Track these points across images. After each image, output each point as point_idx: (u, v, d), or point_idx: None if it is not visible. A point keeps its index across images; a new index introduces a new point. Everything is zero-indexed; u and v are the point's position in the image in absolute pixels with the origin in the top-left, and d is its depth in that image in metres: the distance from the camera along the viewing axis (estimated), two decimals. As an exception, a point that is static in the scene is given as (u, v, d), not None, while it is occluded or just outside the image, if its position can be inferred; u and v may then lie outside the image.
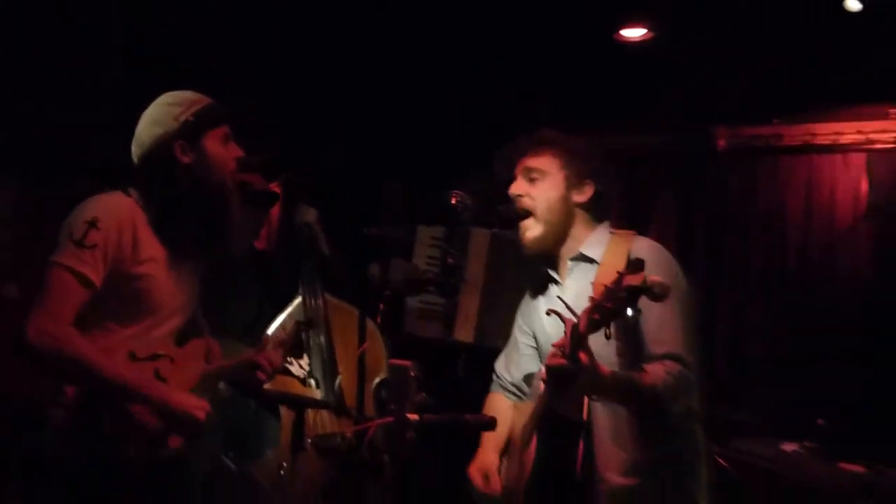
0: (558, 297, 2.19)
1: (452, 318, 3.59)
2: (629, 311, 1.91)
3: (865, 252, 4.46)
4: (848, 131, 4.51)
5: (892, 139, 4.28)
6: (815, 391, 4.35)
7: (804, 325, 4.54)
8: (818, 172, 4.61)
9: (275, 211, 4.50)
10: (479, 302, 3.55)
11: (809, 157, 4.63)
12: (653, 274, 1.90)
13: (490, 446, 2.59)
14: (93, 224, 2.24)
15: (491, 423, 2.55)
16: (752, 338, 4.64)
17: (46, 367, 2.23)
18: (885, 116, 4.43)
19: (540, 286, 2.60)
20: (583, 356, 2.04)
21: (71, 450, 2.24)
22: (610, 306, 1.92)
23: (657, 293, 1.89)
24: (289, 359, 3.41)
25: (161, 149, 2.36)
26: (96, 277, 2.23)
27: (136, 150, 2.40)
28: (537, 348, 2.61)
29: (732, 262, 4.78)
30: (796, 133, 4.63)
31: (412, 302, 3.78)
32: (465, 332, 3.57)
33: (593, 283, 2.21)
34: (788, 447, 3.59)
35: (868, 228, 4.46)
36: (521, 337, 2.68)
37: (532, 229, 2.47)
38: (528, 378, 2.64)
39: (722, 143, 4.76)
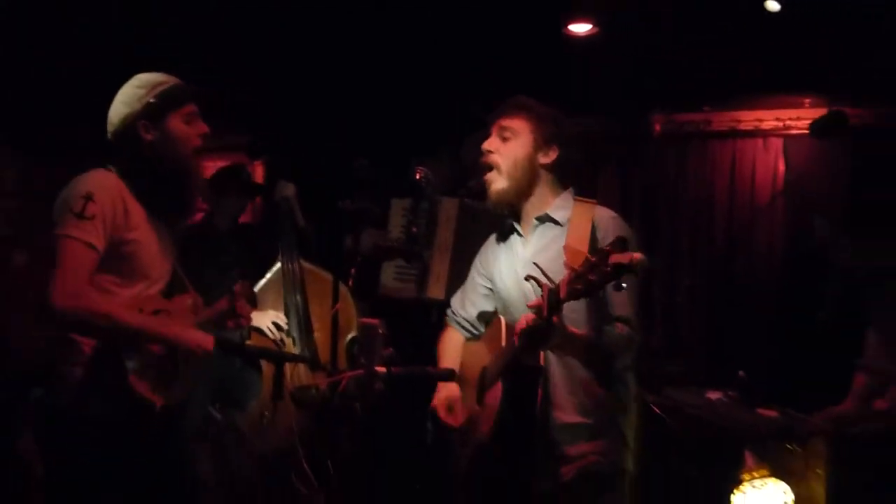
0: (534, 263, 2.14)
1: (425, 280, 3.62)
2: (612, 286, 1.91)
3: (781, 223, 4.55)
4: (768, 118, 4.59)
5: (805, 126, 4.31)
6: (737, 347, 4.45)
7: (728, 289, 4.62)
8: (741, 154, 4.68)
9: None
10: (449, 263, 3.58)
11: (734, 141, 4.69)
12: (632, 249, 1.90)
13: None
14: (89, 198, 2.26)
15: (450, 375, 2.57)
16: (682, 300, 4.68)
17: (76, 325, 2.25)
18: (801, 106, 4.50)
19: (502, 236, 2.59)
20: (556, 319, 2.08)
21: (87, 402, 2.26)
22: (594, 279, 1.91)
23: (639, 270, 1.89)
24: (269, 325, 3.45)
25: (127, 128, 2.37)
26: (99, 243, 2.26)
27: (108, 129, 2.42)
28: (492, 290, 2.62)
29: (666, 232, 4.82)
30: (723, 120, 4.69)
31: (388, 267, 3.81)
32: (437, 290, 3.59)
33: (565, 247, 2.19)
34: (713, 396, 3.64)
35: (784, 203, 4.55)
36: (478, 278, 2.66)
37: (497, 182, 2.46)
38: (481, 315, 2.65)
39: (658, 127, 4.80)
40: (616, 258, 1.86)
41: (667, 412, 3.65)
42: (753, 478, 3.37)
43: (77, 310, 2.19)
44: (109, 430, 2.27)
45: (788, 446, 3.33)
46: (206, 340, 2.41)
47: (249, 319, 2.65)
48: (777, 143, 4.60)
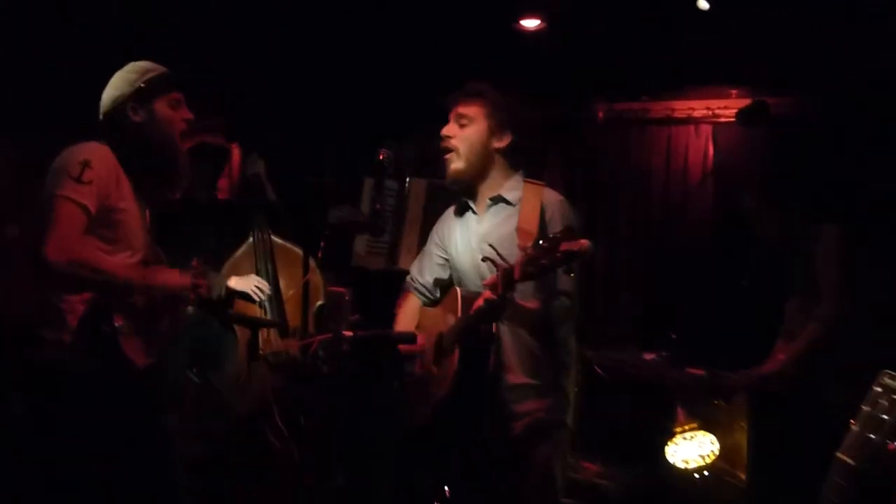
0: (489, 244, 2.20)
1: (396, 252, 3.62)
2: (562, 269, 1.96)
3: (710, 201, 4.59)
4: (699, 107, 4.60)
5: (732, 114, 4.34)
6: (670, 312, 4.49)
7: (662, 260, 4.65)
8: (676, 139, 4.69)
9: (236, 167, 4.43)
10: (419, 237, 3.58)
11: (669, 127, 4.70)
12: (581, 237, 1.95)
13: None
14: (87, 164, 2.23)
15: (411, 338, 2.59)
16: (621, 270, 4.72)
17: (68, 278, 2.20)
18: (728, 96, 4.52)
19: (458, 212, 2.59)
20: (509, 295, 2.13)
21: (76, 361, 2.23)
22: (545, 263, 1.96)
23: (585, 256, 1.95)
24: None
25: (117, 109, 2.36)
26: (92, 206, 2.23)
27: (101, 111, 2.40)
28: (447, 261, 2.62)
29: (607, 209, 4.84)
30: (659, 108, 4.69)
31: (360, 241, 3.80)
32: (408, 261, 3.58)
33: (518, 228, 2.27)
34: (648, 356, 3.68)
35: (713, 183, 4.59)
36: (435, 249, 2.66)
37: (455, 163, 2.45)
38: (437, 282, 2.65)
39: (601, 114, 4.79)
40: (566, 246, 1.91)
41: (607, 371, 3.69)
42: (684, 430, 3.44)
43: (69, 263, 2.15)
44: (95, 388, 2.24)
45: (715, 402, 3.39)
46: (185, 281, 2.42)
47: (205, 291, 2.63)
48: (707, 130, 4.62)
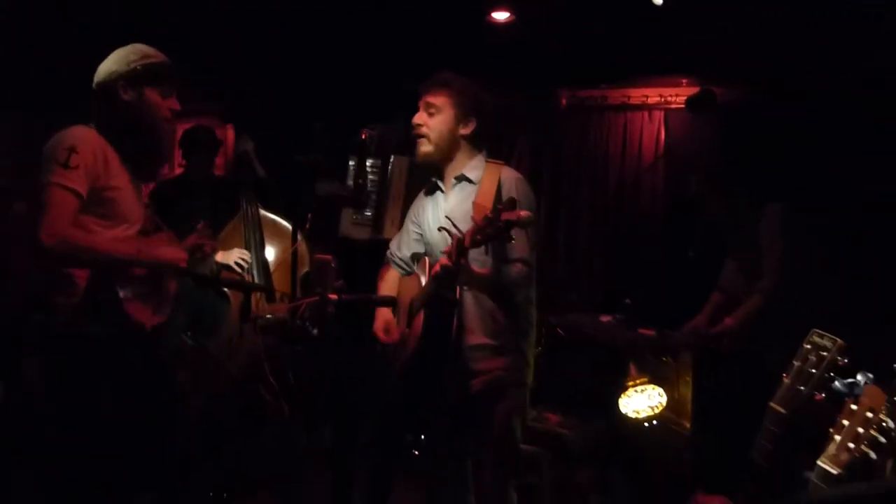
0: (446, 216, 2.19)
1: (380, 224, 3.59)
2: (505, 238, 1.99)
3: (662, 181, 4.59)
4: (652, 95, 4.58)
5: (682, 101, 4.34)
6: (624, 280, 4.52)
7: (619, 233, 4.67)
8: (631, 125, 4.67)
9: (230, 146, 4.37)
10: (402, 210, 3.56)
11: (625, 113, 4.68)
12: (521, 203, 2.01)
13: (386, 309, 2.61)
14: (73, 150, 2.15)
15: (392, 301, 2.58)
16: (582, 243, 4.72)
17: (63, 260, 2.15)
18: (679, 85, 4.50)
19: (429, 191, 2.58)
20: (462, 261, 2.12)
21: (85, 324, 2.19)
22: (490, 232, 1.98)
23: (525, 224, 1.99)
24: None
25: (109, 83, 2.27)
26: (82, 190, 2.15)
27: (94, 79, 2.31)
28: (422, 235, 2.61)
29: (569, 189, 4.83)
30: (616, 96, 4.67)
31: (346, 214, 3.76)
32: (392, 232, 3.57)
33: (474, 202, 2.26)
34: (605, 318, 3.71)
35: (664, 165, 4.58)
36: (410, 226, 2.65)
37: (424, 147, 2.44)
38: (414, 256, 2.64)
39: (563, 101, 4.78)
40: (506, 216, 1.95)
41: (568, 333, 3.70)
42: (636, 384, 3.45)
43: (62, 246, 2.09)
44: (104, 349, 2.20)
45: (663, 359, 3.41)
46: (180, 255, 2.36)
47: (210, 249, 2.58)
48: (659, 116, 4.60)
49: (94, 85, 2.30)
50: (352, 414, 3.34)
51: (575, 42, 4.23)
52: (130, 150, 2.30)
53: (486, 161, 2.44)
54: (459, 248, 2.09)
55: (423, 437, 3.69)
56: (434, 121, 2.42)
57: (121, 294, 2.20)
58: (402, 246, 2.68)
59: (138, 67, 2.27)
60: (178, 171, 3.84)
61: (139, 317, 2.24)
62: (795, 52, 3.78)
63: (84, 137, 2.21)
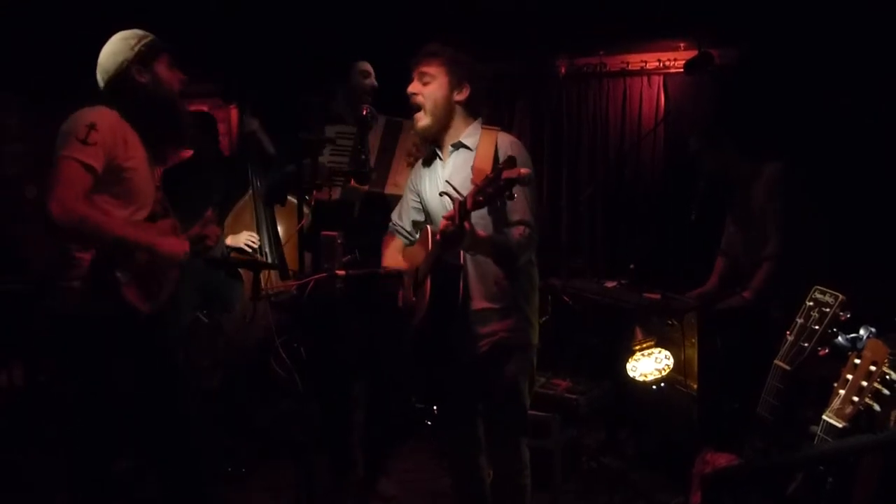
0: (447, 181, 2.17)
1: (383, 180, 3.52)
2: (506, 196, 1.96)
3: (662, 145, 4.57)
4: (651, 60, 4.54)
5: (680, 66, 4.27)
6: (628, 244, 4.51)
7: (620, 198, 4.64)
8: (630, 90, 4.63)
9: (234, 127, 4.35)
10: (390, 166, 3.46)
11: (624, 79, 4.64)
12: (519, 162, 1.96)
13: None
14: (92, 127, 2.14)
15: (398, 275, 2.58)
16: (584, 208, 4.69)
17: (70, 232, 2.12)
18: (677, 49, 4.46)
19: (428, 160, 2.57)
20: (466, 224, 2.09)
21: (87, 308, 2.20)
22: (491, 192, 1.96)
23: (526, 182, 1.97)
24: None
25: (123, 72, 2.27)
26: (98, 166, 2.15)
27: (101, 76, 2.30)
28: (421, 204, 2.61)
29: (571, 154, 4.80)
30: (615, 62, 4.62)
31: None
32: (394, 189, 3.51)
33: (472, 167, 2.26)
34: (609, 284, 3.69)
35: (663, 129, 4.55)
36: (410, 195, 2.65)
37: (423, 119, 2.44)
38: (415, 224, 2.64)
39: (563, 69, 4.74)
40: (507, 174, 1.93)
41: (573, 298, 3.70)
42: (643, 347, 3.45)
43: (71, 219, 2.07)
44: (105, 332, 2.21)
45: (669, 322, 3.40)
46: (181, 247, 2.35)
47: (215, 240, 2.57)
48: (658, 80, 4.56)
49: (105, 81, 2.29)
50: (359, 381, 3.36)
51: (572, 9, 4.18)
52: (154, 128, 2.31)
53: (482, 127, 2.43)
54: (462, 210, 2.07)
55: (434, 408, 3.72)
56: (429, 89, 2.41)
57: (119, 277, 2.19)
58: (403, 215, 2.68)
59: (142, 48, 2.29)
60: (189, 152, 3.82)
61: (136, 301, 2.23)
62: (789, 12, 3.73)
63: (104, 116, 2.21)
